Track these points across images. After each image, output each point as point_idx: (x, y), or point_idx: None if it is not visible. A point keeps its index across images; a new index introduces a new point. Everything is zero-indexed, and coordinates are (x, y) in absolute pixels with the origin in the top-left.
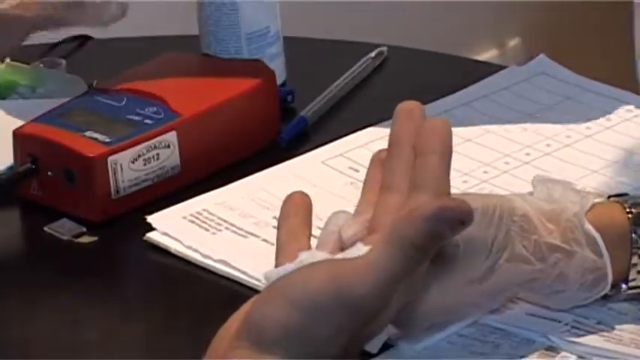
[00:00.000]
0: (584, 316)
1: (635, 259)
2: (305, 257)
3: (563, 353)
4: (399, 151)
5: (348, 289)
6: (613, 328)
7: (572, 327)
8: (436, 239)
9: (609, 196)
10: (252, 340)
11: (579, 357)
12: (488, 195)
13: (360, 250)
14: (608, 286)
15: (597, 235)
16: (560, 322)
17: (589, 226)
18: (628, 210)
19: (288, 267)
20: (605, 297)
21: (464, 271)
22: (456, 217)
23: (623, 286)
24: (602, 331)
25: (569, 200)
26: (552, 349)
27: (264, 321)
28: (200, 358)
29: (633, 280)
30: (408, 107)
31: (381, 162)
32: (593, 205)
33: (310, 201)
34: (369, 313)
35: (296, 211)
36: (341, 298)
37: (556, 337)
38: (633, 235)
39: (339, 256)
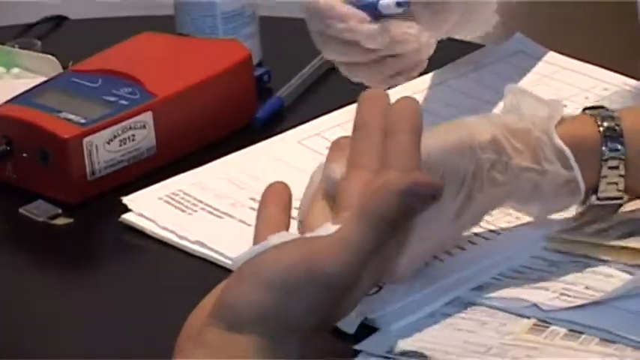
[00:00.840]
0: (572, 282)
1: (604, 171)
2: (274, 239)
3: (553, 327)
4: (366, 133)
5: (320, 266)
6: (602, 293)
7: (561, 294)
8: (407, 214)
9: (584, 109)
10: (226, 321)
11: (570, 330)
12: (454, 127)
13: (330, 229)
14: (582, 195)
15: (567, 149)
16: (547, 290)
17: (558, 141)
18: (599, 123)
19: (255, 249)
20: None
21: (441, 210)
22: (428, 191)
23: (593, 197)
24: (592, 296)
25: (539, 114)
26: (541, 324)
27: (236, 301)
28: (175, 338)
29: (603, 191)
30: (372, 93)
31: (340, 147)
32: (564, 119)
33: (290, 191)
34: (341, 290)
35: (276, 200)
36: (313, 276)
37: (545, 305)
38: (603, 148)
39: (309, 234)
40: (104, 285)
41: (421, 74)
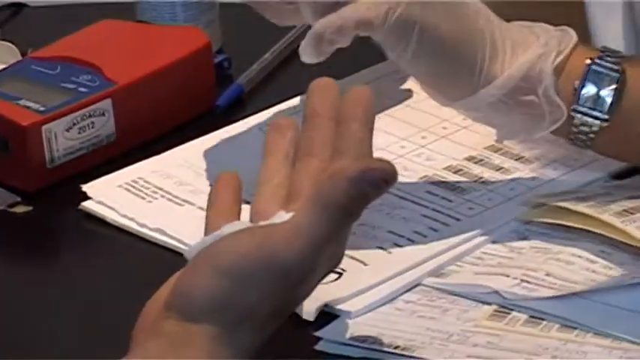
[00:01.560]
0: (533, 268)
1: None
2: (227, 228)
3: (514, 314)
4: (316, 122)
5: (275, 254)
6: (563, 280)
7: (522, 280)
8: (361, 200)
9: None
10: (181, 311)
11: (530, 316)
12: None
13: (283, 217)
14: (564, 117)
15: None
16: (508, 276)
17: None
18: (590, 61)
19: (207, 239)
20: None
21: None
22: (380, 176)
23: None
24: (552, 283)
25: (551, 34)
26: (502, 310)
27: (192, 291)
28: (134, 326)
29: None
30: (322, 83)
31: (279, 128)
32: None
33: (239, 179)
34: (296, 277)
35: (225, 189)
36: (268, 264)
37: (506, 292)
38: (576, 82)
39: (263, 224)
40: (64, 273)
41: (380, 61)
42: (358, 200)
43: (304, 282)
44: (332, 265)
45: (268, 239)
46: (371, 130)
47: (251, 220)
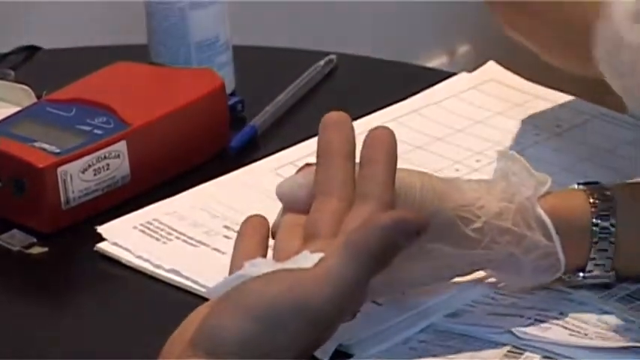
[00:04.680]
0: (546, 308)
1: (593, 253)
2: (249, 266)
3: (527, 354)
4: (331, 160)
5: (306, 299)
6: (576, 320)
7: (536, 320)
8: (393, 250)
9: (578, 183)
10: (207, 349)
11: (544, 357)
12: (432, 177)
13: (309, 258)
14: (562, 269)
15: (547, 220)
16: (522, 317)
17: (539, 210)
18: (592, 201)
19: (229, 279)
20: (563, 282)
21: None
22: (414, 228)
23: (580, 275)
24: (566, 323)
25: (524, 183)
26: (515, 350)
27: (220, 330)
28: None
29: (590, 271)
30: (335, 118)
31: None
32: (552, 193)
33: (268, 224)
34: (325, 323)
35: (252, 233)
36: (299, 309)
37: (520, 331)
38: (594, 228)
39: (289, 264)
40: (79, 314)
41: (393, 102)
42: (390, 250)
43: (331, 326)
44: (356, 309)
45: (299, 284)
46: (394, 172)
47: (273, 256)
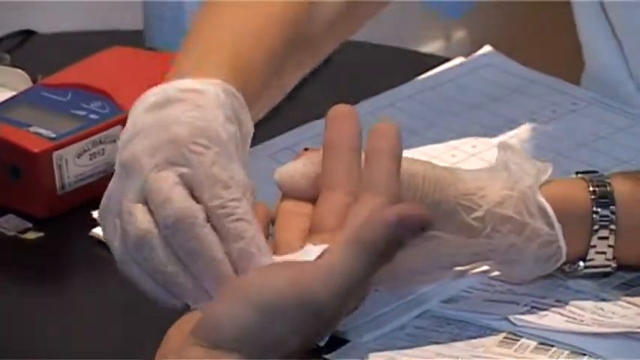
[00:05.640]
0: (542, 295)
1: (594, 240)
2: None
3: (523, 340)
4: (338, 151)
5: (310, 293)
6: (572, 307)
7: (532, 307)
8: (398, 245)
9: (577, 172)
10: (210, 339)
11: (540, 343)
12: (434, 166)
13: (312, 251)
14: (563, 258)
15: (549, 207)
16: (518, 304)
17: (541, 198)
18: (592, 189)
19: None
20: (564, 272)
21: None
22: (419, 224)
23: (581, 264)
24: (562, 310)
25: (525, 171)
26: (512, 337)
27: (223, 321)
28: (147, 352)
29: (591, 260)
30: (342, 111)
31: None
32: (553, 181)
33: (269, 212)
34: (328, 316)
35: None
36: (302, 302)
37: (516, 318)
38: (594, 216)
39: (291, 257)
40: (75, 299)
41: (389, 88)
42: (395, 245)
43: (333, 320)
44: (359, 302)
45: (303, 277)
46: (399, 166)
47: (276, 249)
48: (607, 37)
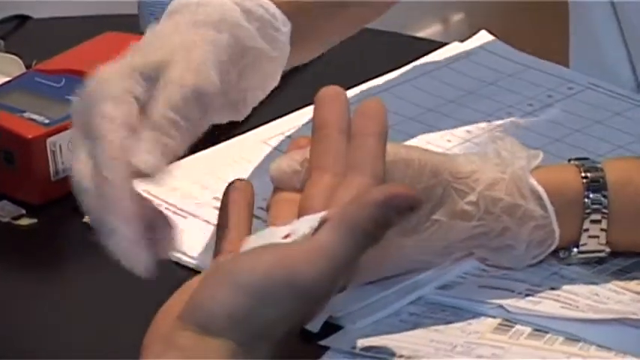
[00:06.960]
0: (537, 284)
1: (586, 224)
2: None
3: (518, 327)
4: (327, 134)
5: (298, 274)
6: (567, 293)
7: (526, 294)
8: (386, 225)
9: (569, 160)
10: (198, 324)
11: (534, 330)
12: (429, 151)
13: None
14: (556, 242)
15: (541, 189)
16: (513, 290)
17: (533, 181)
18: (583, 175)
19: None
20: (558, 259)
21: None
22: (407, 204)
23: (574, 249)
24: (557, 296)
25: (517, 155)
26: (506, 323)
27: (210, 305)
28: (140, 337)
29: (584, 244)
30: (330, 92)
31: (299, 147)
32: (544, 166)
33: (252, 189)
34: (316, 297)
35: (237, 199)
36: (290, 284)
37: (511, 305)
38: (586, 200)
39: (284, 228)
40: (69, 285)
41: (385, 73)
42: (383, 226)
43: (321, 301)
44: (347, 283)
45: (290, 258)
46: (384, 144)
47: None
48: (616, 42)
